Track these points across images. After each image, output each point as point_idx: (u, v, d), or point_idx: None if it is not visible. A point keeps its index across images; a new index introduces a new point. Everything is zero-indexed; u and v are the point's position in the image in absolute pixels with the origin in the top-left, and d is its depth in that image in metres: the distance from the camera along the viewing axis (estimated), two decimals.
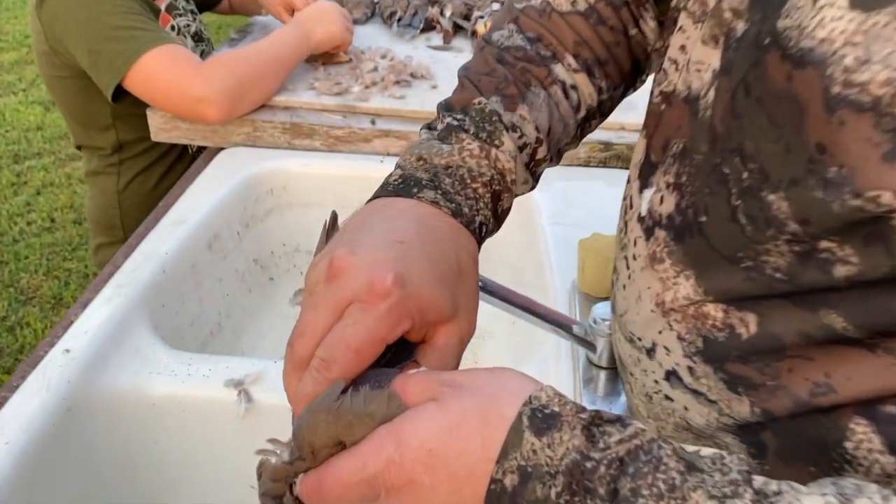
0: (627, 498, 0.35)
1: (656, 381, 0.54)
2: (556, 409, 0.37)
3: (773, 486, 0.35)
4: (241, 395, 0.78)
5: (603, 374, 0.76)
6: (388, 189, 0.50)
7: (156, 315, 0.89)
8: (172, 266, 0.95)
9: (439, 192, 0.49)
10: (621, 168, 1.17)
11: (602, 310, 0.74)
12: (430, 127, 0.56)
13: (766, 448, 0.48)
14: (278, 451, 0.41)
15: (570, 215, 1.04)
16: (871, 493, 0.35)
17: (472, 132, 0.53)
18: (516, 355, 0.99)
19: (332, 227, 0.52)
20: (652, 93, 0.56)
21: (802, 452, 0.45)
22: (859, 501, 0.34)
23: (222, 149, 1.21)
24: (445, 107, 0.57)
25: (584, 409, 0.38)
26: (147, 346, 0.83)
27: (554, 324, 0.74)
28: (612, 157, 1.17)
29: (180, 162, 1.35)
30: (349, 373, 0.41)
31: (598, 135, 1.18)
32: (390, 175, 0.51)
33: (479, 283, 0.69)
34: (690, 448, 0.38)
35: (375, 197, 0.50)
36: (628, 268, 0.55)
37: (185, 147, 1.34)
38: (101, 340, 0.81)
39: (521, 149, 0.56)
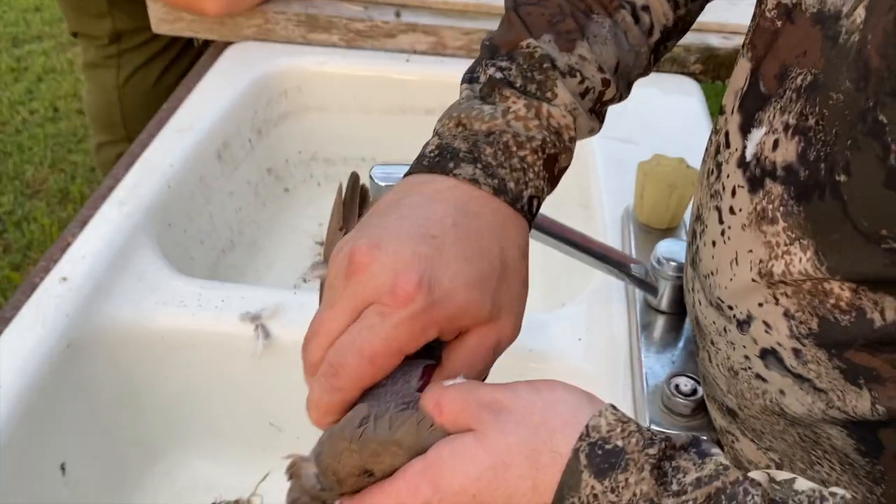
0: None
1: (747, 357, 0.46)
2: (620, 443, 0.32)
3: None
4: (259, 331, 0.71)
5: (662, 320, 0.68)
6: (424, 163, 0.42)
7: (162, 235, 0.81)
8: (178, 180, 0.86)
9: (479, 165, 0.41)
10: (678, 73, 1.05)
11: (667, 248, 0.65)
12: (471, 79, 0.46)
13: (883, 448, 0.41)
14: (307, 468, 0.36)
15: (623, 128, 0.93)
16: None
17: (518, 86, 0.44)
18: (556, 289, 0.91)
19: (351, 193, 0.44)
20: (762, 2, 0.45)
21: None
22: None
23: (230, 43, 1.09)
24: (489, 50, 0.46)
25: (653, 441, 0.32)
26: (153, 272, 0.75)
27: (608, 262, 0.65)
28: (666, 61, 1.05)
29: (185, 55, 1.23)
30: (359, 383, 0.36)
31: None
32: (427, 144, 0.44)
33: None
34: (783, 476, 0.32)
35: (411, 172, 0.43)
36: (721, 221, 0.47)
37: (189, 40, 1.21)
38: (102, 267, 0.73)
39: (582, 95, 0.46)
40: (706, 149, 0.53)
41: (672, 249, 0.65)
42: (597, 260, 0.64)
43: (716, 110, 1.02)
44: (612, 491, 0.31)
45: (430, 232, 0.37)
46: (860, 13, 0.36)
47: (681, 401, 0.58)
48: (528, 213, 0.42)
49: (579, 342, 0.69)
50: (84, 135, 2.58)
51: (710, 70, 1.05)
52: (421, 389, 0.36)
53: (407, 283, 0.35)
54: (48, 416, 0.65)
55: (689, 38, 1.05)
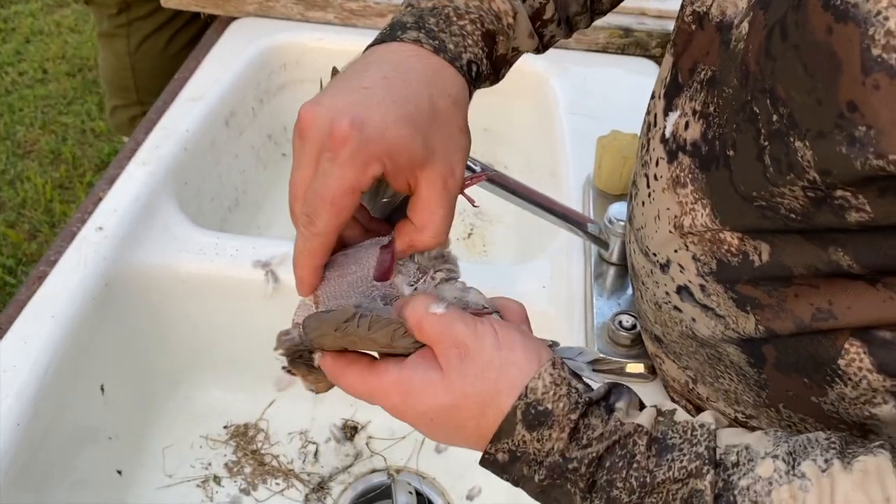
0: (603, 488, 0.40)
1: (667, 293, 0.58)
2: (549, 405, 0.40)
3: (733, 456, 0.40)
4: (269, 276, 0.82)
5: (612, 270, 0.80)
6: (376, 38, 0.48)
7: (180, 192, 0.91)
8: (193, 143, 0.96)
9: (423, 31, 0.47)
10: (640, 56, 1.16)
11: (617, 210, 0.77)
12: None
13: (766, 360, 0.52)
14: (289, 336, 0.45)
15: (588, 105, 1.05)
16: (816, 454, 0.39)
17: None
18: (526, 245, 1.03)
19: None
20: (683, 9, 0.55)
21: (798, 366, 0.49)
22: (804, 464, 0.38)
23: (234, 19, 1.18)
24: None
25: (576, 406, 0.40)
26: (175, 224, 0.85)
27: (569, 221, 0.77)
28: (630, 45, 1.16)
29: (192, 24, 1.32)
30: (332, 224, 0.41)
31: (617, 19, 1.16)
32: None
33: (489, 174, 0.72)
34: (668, 406, 0.43)
35: (366, 49, 0.48)
36: (648, 186, 0.57)
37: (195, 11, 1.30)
38: (131, 218, 0.83)
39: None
40: (641, 127, 0.63)
41: (621, 211, 0.77)
42: (559, 219, 0.76)
43: None
44: (538, 440, 0.40)
45: (363, 84, 0.42)
46: (745, 26, 0.45)
47: (623, 334, 0.71)
48: (468, 74, 0.47)
49: (543, 289, 0.81)
50: (74, 97, 2.63)
51: None
52: (383, 272, 0.44)
53: (340, 125, 0.39)
54: (90, 344, 0.76)
55: (652, 25, 1.16)
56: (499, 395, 0.40)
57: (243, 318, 0.85)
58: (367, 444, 0.89)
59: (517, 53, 0.56)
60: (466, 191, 0.48)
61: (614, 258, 0.80)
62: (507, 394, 0.40)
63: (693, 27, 0.52)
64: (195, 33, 1.26)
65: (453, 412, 0.41)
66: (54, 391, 0.71)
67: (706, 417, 0.42)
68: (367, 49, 0.48)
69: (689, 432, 0.41)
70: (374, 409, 0.95)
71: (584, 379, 0.44)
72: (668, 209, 0.54)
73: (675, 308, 0.57)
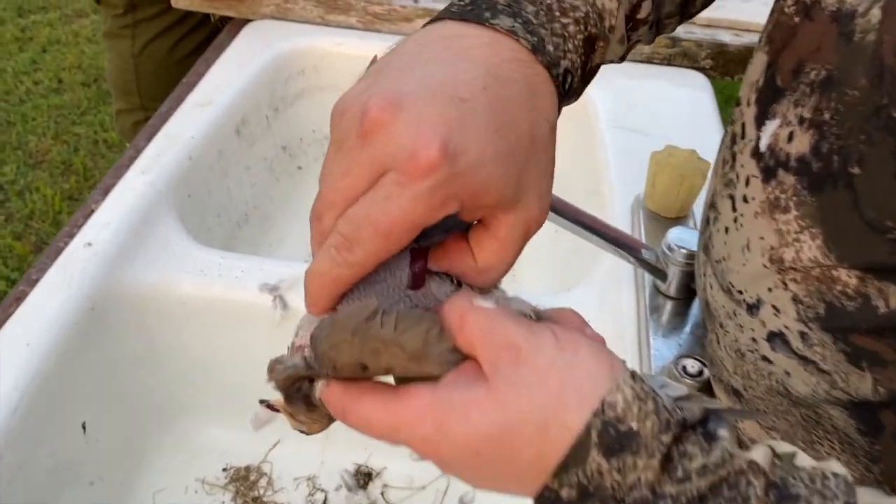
0: None
1: (754, 340, 0.48)
2: (634, 425, 0.30)
3: None
4: (277, 301, 0.73)
5: (670, 305, 0.70)
6: (453, 10, 0.37)
7: (182, 206, 0.83)
8: (199, 152, 0.87)
9: (519, 20, 0.37)
10: (688, 68, 1.07)
11: (678, 235, 0.67)
12: None
13: (883, 428, 0.43)
14: (289, 363, 0.36)
15: (633, 119, 0.95)
16: None
17: None
18: (563, 271, 0.93)
19: None
20: None
21: None
22: None
23: (248, 21, 1.10)
24: None
25: (668, 425, 0.31)
26: (174, 241, 0.76)
27: (620, 246, 0.67)
28: (677, 55, 1.07)
29: (200, 29, 1.25)
30: (374, 258, 0.33)
31: None
32: None
33: None
34: (784, 448, 0.33)
35: (436, 19, 0.38)
36: (734, 209, 0.48)
37: (206, 15, 1.23)
38: (125, 233, 0.75)
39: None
40: (722, 139, 0.55)
41: (682, 237, 0.67)
42: (609, 244, 0.66)
43: (724, 106, 1.04)
44: (619, 471, 0.30)
45: (459, 93, 0.33)
46: (875, 13, 0.38)
47: (688, 381, 0.61)
48: (562, 86, 0.38)
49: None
50: (88, 107, 2.58)
51: (720, 66, 1.07)
52: (416, 278, 0.35)
53: (430, 149, 0.31)
54: (72, 376, 0.67)
55: (701, 34, 1.07)
56: (565, 411, 0.31)
57: (247, 347, 0.76)
58: (382, 493, 0.79)
59: (599, 66, 0.47)
60: None
61: (672, 291, 0.69)
62: (577, 409, 0.31)
63: (797, 19, 0.44)
64: (203, 39, 1.19)
65: (506, 437, 0.31)
66: (27, 429, 0.62)
67: (836, 466, 0.32)
68: (436, 20, 0.37)
69: (818, 482, 0.31)
70: (390, 454, 0.85)
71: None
72: (763, 238, 0.45)
73: (764, 358, 0.48)
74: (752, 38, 1.07)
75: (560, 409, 0.31)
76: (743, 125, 0.48)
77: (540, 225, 0.36)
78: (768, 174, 0.45)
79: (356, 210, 0.32)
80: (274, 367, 0.37)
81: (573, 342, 0.32)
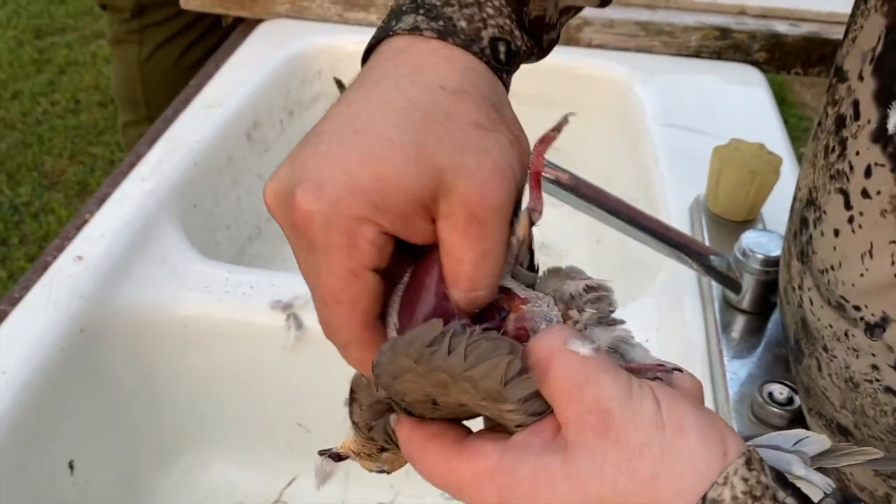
0: None
1: (874, 367, 0.39)
2: None
3: None
4: (290, 321, 0.65)
5: (742, 320, 0.60)
6: (369, 42, 0.34)
7: (186, 216, 0.75)
8: (205, 158, 0.80)
9: (421, 11, 0.33)
10: (740, 62, 0.97)
11: (754, 239, 0.58)
12: None
13: None
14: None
15: (684, 116, 0.86)
16: None
17: None
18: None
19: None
20: None
21: None
22: None
23: (262, 21, 1.03)
24: None
25: None
26: (176, 254, 0.68)
27: (686, 252, 0.58)
28: (728, 48, 0.98)
29: (210, 35, 1.18)
30: (356, 324, 0.30)
31: (712, 18, 0.98)
32: None
33: (571, 180, 0.54)
34: None
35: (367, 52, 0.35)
36: (848, 207, 0.39)
37: (216, 19, 1.16)
38: (121, 247, 0.67)
39: None
40: (818, 123, 0.46)
41: (759, 241, 0.58)
42: (673, 249, 0.57)
43: (781, 102, 0.94)
44: None
45: (317, 130, 0.30)
46: None
47: (776, 410, 0.51)
48: (495, 57, 0.33)
49: (647, 343, 0.61)
50: (105, 127, 2.54)
51: (776, 59, 0.98)
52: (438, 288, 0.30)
53: (295, 203, 0.28)
54: (57, 408, 0.59)
55: (754, 25, 0.97)
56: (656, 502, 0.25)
57: (257, 373, 0.68)
58: None
59: (570, 11, 0.39)
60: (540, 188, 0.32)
61: (746, 304, 0.60)
62: (671, 503, 0.25)
63: None
64: (213, 45, 1.12)
65: None
66: (4, 470, 0.54)
67: None
68: (363, 58, 0.35)
69: None
70: (419, 493, 0.76)
71: (800, 482, 0.27)
72: (894, 243, 0.37)
73: (889, 390, 0.39)
74: (810, 28, 0.97)
75: (650, 502, 0.25)
76: (855, 104, 0.40)
77: (489, 202, 0.29)
78: None
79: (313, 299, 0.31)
80: (359, 389, 0.32)
81: (679, 418, 0.26)
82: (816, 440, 0.28)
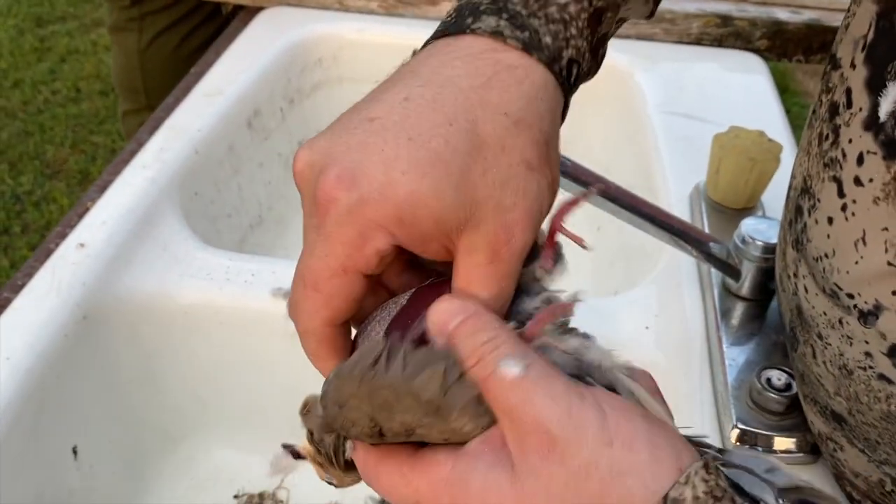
0: None
1: (867, 355, 0.39)
2: None
3: None
4: None
5: (741, 307, 0.61)
6: (438, 30, 0.33)
7: (187, 204, 0.75)
8: (206, 146, 0.80)
9: (504, 16, 0.31)
10: (741, 49, 0.97)
11: (754, 226, 0.58)
12: None
13: None
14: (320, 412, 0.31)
15: (684, 104, 0.86)
16: None
17: None
18: (609, 270, 0.84)
19: None
20: None
21: None
22: None
23: (262, 8, 1.03)
24: None
25: None
26: (177, 242, 0.69)
27: (685, 239, 0.58)
28: (729, 35, 0.97)
29: (210, 23, 1.18)
30: (319, 317, 0.30)
31: (713, 6, 0.98)
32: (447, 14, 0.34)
33: (571, 168, 0.54)
34: None
35: (425, 44, 0.34)
36: (841, 195, 0.40)
37: (216, 7, 1.16)
38: (123, 234, 0.67)
39: None
40: (812, 111, 0.46)
41: (759, 228, 0.58)
42: (673, 236, 0.57)
43: (783, 90, 0.94)
44: None
45: (370, 115, 0.29)
46: None
47: (774, 396, 0.51)
48: (567, 80, 0.32)
49: (647, 330, 0.62)
50: (106, 116, 2.54)
51: (777, 47, 0.97)
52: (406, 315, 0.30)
53: (325, 182, 0.28)
54: (60, 395, 0.59)
55: (755, 12, 0.97)
56: None
57: (259, 360, 0.68)
58: None
59: (620, 24, 0.39)
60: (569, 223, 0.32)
61: (745, 291, 0.60)
62: None
63: None
64: (213, 33, 1.12)
65: None
66: (8, 455, 0.54)
67: None
68: (424, 46, 0.33)
69: None
70: None
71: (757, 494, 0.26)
72: (886, 229, 0.37)
73: (882, 377, 0.39)
74: (811, 16, 0.97)
75: None
76: (848, 91, 0.40)
77: (514, 247, 0.29)
78: (892, 148, 0.36)
79: (295, 271, 0.30)
80: (309, 411, 0.34)
81: (628, 433, 0.26)
82: (786, 475, 0.27)
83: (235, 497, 0.72)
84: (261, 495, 0.72)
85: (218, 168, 0.82)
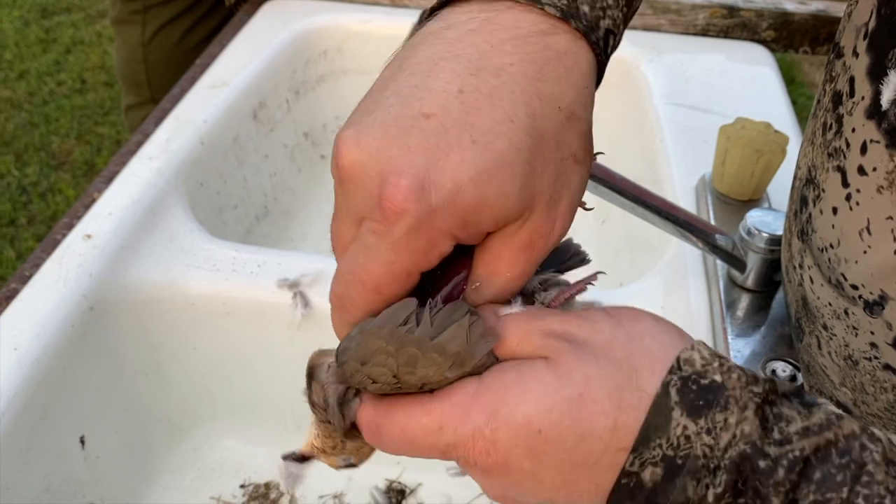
0: None
1: (873, 345, 0.39)
2: (718, 377, 0.27)
3: None
4: (297, 299, 0.65)
5: (746, 299, 0.61)
6: None
7: (193, 195, 0.75)
8: (212, 137, 0.80)
9: None
10: (747, 40, 0.97)
11: (759, 218, 0.58)
12: None
13: None
14: (329, 365, 0.32)
15: (690, 96, 0.86)
16: None
17: None
18: (614, 262, 0.84)
19: None
20: None
21: None
22: None
23: (267, 0, 1.03)
24: None
25: (756, 378, 0.27)
26: (184, 233, 0.69)
27: (691, 231, 0.58)
28: (735, 27, 0.97)
29: (214, 15, 1.17)
30: (372, 311, 0.30)
31: None
32: None
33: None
34: None
35: (440, 6, 0.32)
36: (846, 185, 0.39)
37: None
38: (129, 225, 0.67)
39: None
40: (816, 101, 0.45)
41: (764, 220, 0.58)
42: (678, 228, 0.57)
43: (790, 82, 0.93)
44: (708, 432, 0.26)
45: (424, 110, 0.28)
46: None
47: None
48: (604, 51, 0.31)
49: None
50: (111, 107, 2.54)
51: (784, 38, 0.97)
52: (457, 290, 0.31)
53: (394, 193, 0.27)
54: (67, 385, 0.60)
55: (762, 3, 0.97)
56: (637, 374, 0.28)
57: (266, 350, 0.69)
58: None
59: None
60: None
61: (751, 282, 0.60)
62: (651, 370, 0.28)
63: None
64: (216, 26, 1.11)
65: (574, 411, 0.27)
66: (15, 446, 0.54)
67: None
68: (440, 6, 0.32)
69: None
70: (426, 469, 0.77)
71: None
72: (891, 219, 0.37)
73: (887, 367, 0.39)
74: (818, 7, 0.97)
75: (631, 373, 0.27)
76: (851, 80, 0.39)
77: (552, 239, 0.30)
78: (895, 137, 0.36)
79: (343, 266, 0.30)
80: (316, 375, 0.33)
81: (632, 313, 0.30)
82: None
83: (242, 487, 0.72)
84: (267, 485, 0.73)
85: (224, 159, 0.82)
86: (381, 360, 0.28)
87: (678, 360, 0.27)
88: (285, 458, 0.35)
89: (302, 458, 0.35)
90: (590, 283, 0.32)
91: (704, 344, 0.28)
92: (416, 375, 0.28)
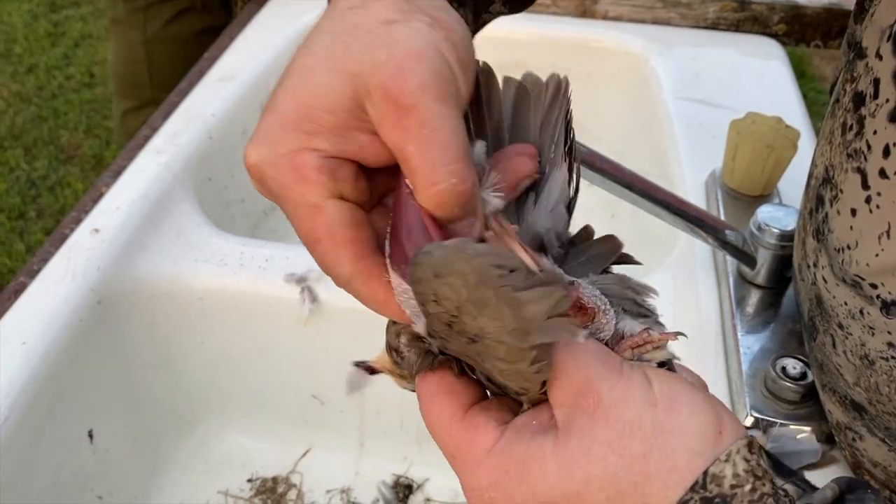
0: None
1: (891, 345, 0.39)
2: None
3: None
4: (305, 294, 0.65)
5: (756, 295, 0.60)
6: None
7: (201, 190, 0.75)
8: (220, 131, 0.80)
9: None
10: (758, 34, 0.96)
11: (771, 213, 0.57)
12: None
13: None
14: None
15: (701, 90, 0.85)
16: None
17: None
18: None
19: (486, 89, 0.32)
20: None
21: None
22: None
23: None
24: None
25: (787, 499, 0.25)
26: (191, 227, 0.69)
27: (701, 226, 0.57)
28: (746, 20, 0.96)
29: (217, 11, 1.17)
30: (348, 264, 0.29)
31: None
32: None
33: (586, 154, 0.53)
34: None
35: None
36: (866, 187, 0.39)
37: None
38: (137, 219, 0.67)
39: None
40: (836, 100, 0.45)
41: (776, 215, 0.57)
42: (688, 223, 0.57)
43: (800, 76, 0.93)
44: None
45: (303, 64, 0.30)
46: None
47: (789, 385, 0.51)
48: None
49: (661, 318, 0.61)
50: None
51: (795, 31, 0.96)
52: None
53: (247, 164, 0.30)
54: (75, 378, 0.60)
55: None
56: (647, 482, 0.25)
57: (273, 345, 0.69)
58: None
59: None
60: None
61: (761, 279, 0.59)
62: (664, 482, 0.25)
63: None
64: (222, 22, 1.10)
65: None
66: (23, 439, 0.55)
67: None
68: None
69: None
70: (433, 464, 0.77)
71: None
72: None
73: None
74: (830, 0, 0.96)
75: (641, 479, 0.25)
76: (875, 81, 0.39)
77: (408, 85, 0.27)
78: None
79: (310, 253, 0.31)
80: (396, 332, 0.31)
81: (671, 396, 0.27)
82: (812, 448, 0.28)
83: (249, 481, 0.72)
84: (274, 479, 0.73)
85: (231, 153, 0.82)
86: (455, 283, 0.25)
87: (705, 474, 0.25)
88: (357, 364, 0.34)
89: (371, 371, 0.34)
90: (671, 338, 0.31)
91: (748, 449, 0.25)
92: (476, 322, 0.26)
